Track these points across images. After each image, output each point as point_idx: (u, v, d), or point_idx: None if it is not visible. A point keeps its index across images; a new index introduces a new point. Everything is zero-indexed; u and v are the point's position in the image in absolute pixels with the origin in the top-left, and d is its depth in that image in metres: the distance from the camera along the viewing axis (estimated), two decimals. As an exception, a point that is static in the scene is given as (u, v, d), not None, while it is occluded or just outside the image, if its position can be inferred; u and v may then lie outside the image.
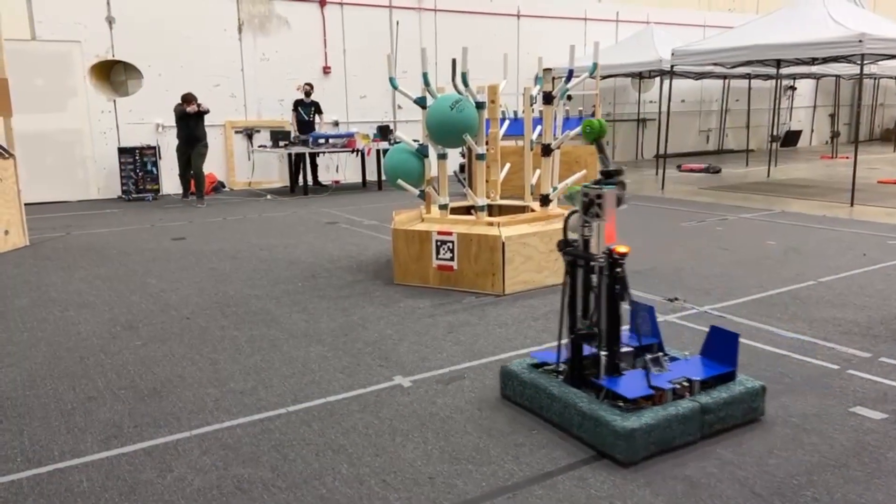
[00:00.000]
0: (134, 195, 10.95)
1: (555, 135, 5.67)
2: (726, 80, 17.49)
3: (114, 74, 11.46)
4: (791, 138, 19.80)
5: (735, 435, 2.93)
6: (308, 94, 11.92)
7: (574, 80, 5.55)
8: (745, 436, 2.92)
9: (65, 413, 3.24)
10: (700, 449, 2.82)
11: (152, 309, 4.93)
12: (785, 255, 6.31)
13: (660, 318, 4.51)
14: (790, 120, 20.06)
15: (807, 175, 13.06)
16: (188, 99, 10.20)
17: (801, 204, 9.42)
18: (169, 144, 11.48)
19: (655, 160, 15.06)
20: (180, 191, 11.31)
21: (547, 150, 5.54)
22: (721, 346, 3.19)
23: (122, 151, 10.90)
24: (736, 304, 4.83)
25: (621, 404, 2.83)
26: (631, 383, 2.94)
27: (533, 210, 5.79)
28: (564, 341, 3.16)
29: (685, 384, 2.97)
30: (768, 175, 12.96)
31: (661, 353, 3.19)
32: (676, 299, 4.95)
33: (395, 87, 5.64)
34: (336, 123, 12.96)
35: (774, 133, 15.26)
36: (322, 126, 12.19)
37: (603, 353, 3.04)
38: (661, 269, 5.85)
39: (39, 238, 7.66)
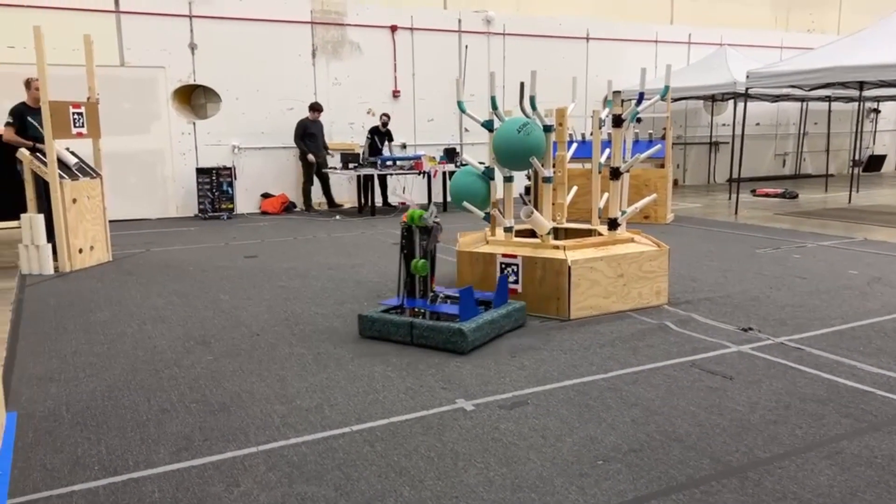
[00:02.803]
0: (210, 214, 11.37)
1: (624, 158, 5.59)
2: (804, 103, 16.91)
3: (194, 98, 11.99)
4: (874, 163, 18.94)
5: (814, 475, 2.78)
6: (385, 124, 12.32)
7: (645, 103, 5.47)
8: (823, 475, 2.77)
9: (140, 424, 3.36)
10: (776, 486, 2.69)
11: (224, 325, 5.08)
12: (868, 285, 6.00)
13: (732, 349, 4.36)
14: (873, 144, 19.20)
15: (892, 202, 12.43)
16: (317, 107, 11.60)
17: (885, 232, 8.97)
18: (244, 166, 11.93)
19: (728, 184, 14.65)
20: (257, 210, 11.92)
21: (616, 174, 5.47)
22: (502, 294, 4.85)
23: (200, 172, 11.35)
24: (815, 335, 4.62)
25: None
26: (410, 302, 4.68)
27: (600, 234, 5.71)
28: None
29: (420, 311, 4.62)
30: (850, 201, 12.40)
31: (444, 296, 4.80)
32: (751, 329, 4.77)
33: (462, 111, 5.69)
34: (404, 146, 13.15)
35: (856, 157, 14.63)
36: (388, 149, 12.50)
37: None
38: (734, 297, 5.66)
39: (122, 254, 8.02)
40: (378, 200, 12.33)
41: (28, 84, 7.54)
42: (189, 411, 3.51)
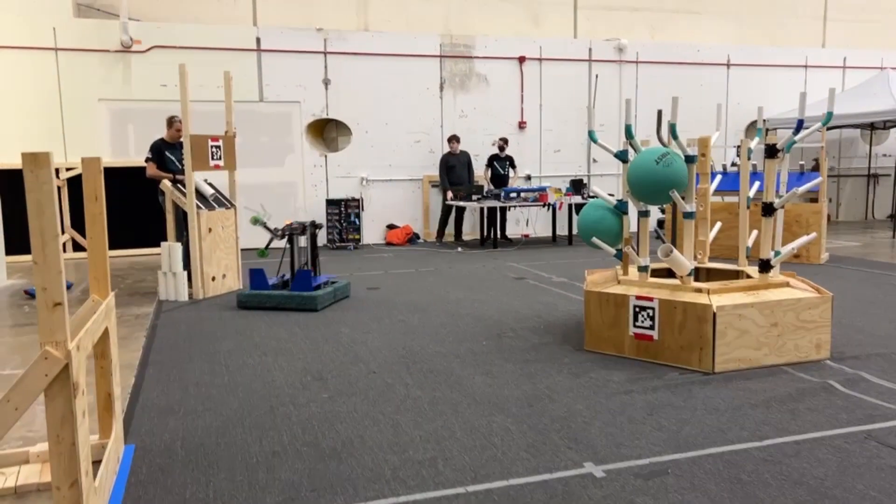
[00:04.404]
0: (337, 244, 11.58)
1: (778, 192, 5.00)
2: (983, 130, 15.01)
3: (326, 132, 12.35)
4: None
5: None
6: (502, 148, 12.03)
7: (803, 132, 4.88)
8: None
9: (249, 467, 3.23)
10: None
11: (342, 360, 4.96)
12: None
13: (918, 419, 3.67)
14: None
15: None
16: (451, 138, 11.71)
17: None
18: (371, 197, 12.10)
19: (892, 221, 13.17)
20: (382, 241, 12.09)
21: (769, 210, 4.89)
22: (297, 282, 6.69)
23: (329, 203, 11.62)
24: None
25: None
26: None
27: (749, 276, 5.12)
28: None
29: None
30: None
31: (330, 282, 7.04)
32: (939, 395, 4.02)
33: (594, 141, 5.33)
34: (529, 177, 12.88)
35: None
36: (515, 180, 12.22)
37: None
38: (912, 353, 4.86)
39: (251, 282, 8.22)
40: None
41: (170, 122, 7.98)
42: (299, 455, 3.35)
